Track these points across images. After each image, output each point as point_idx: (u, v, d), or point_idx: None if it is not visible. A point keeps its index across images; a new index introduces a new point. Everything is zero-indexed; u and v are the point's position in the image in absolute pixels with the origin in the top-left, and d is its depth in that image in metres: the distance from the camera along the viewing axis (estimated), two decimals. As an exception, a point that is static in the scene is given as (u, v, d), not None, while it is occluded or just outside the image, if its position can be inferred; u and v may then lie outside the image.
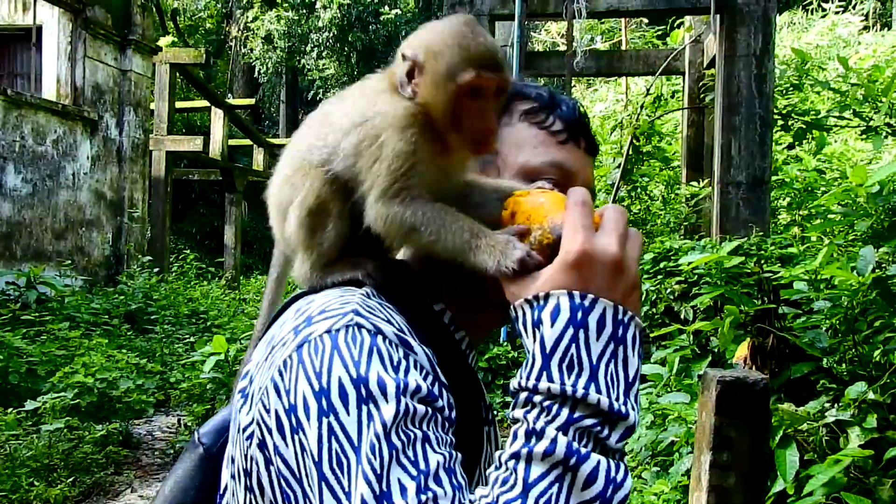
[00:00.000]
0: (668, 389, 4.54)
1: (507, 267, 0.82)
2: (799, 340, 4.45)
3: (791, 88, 9.06)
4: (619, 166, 8.57)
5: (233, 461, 0.87)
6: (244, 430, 0.84)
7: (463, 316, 1.00)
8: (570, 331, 0.75)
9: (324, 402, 0.75)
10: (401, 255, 1.07)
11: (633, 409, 0.76)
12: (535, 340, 0.77)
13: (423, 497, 0.70)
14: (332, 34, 20.23)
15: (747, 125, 7.43)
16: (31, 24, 10.82)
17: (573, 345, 0.75)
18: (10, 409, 4.75)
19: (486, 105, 0.91)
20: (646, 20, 14.70)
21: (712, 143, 8.12)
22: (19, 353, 6.00)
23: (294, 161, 0.98)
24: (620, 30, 13.76)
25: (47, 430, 4.66)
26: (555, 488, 0.70)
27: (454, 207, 0.89)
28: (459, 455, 0.78)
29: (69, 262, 9.59)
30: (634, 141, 8.67)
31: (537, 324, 0.77)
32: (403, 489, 0.70)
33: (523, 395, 0.76)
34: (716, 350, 5.11)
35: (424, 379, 0.79)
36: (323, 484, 0.73)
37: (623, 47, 13.03)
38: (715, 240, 7.09)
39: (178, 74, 13.53)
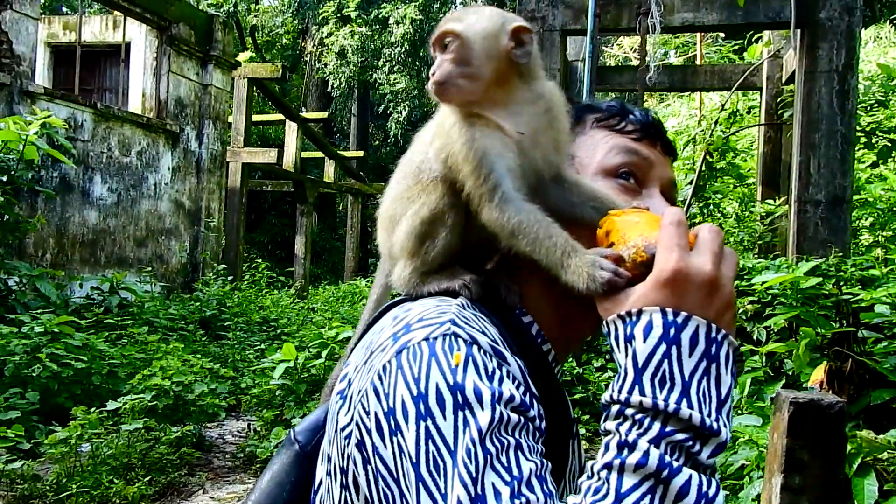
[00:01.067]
0: (739, 412, 4.42)
1: (594, 288, 0.85)
2: (880, 366, 4.29)
3: (876, 105, 8.76)
4: (691, 182, 8.42)
5: (329, 459, 0.91)
6: (343, 429, 0.88)
7: (550, 329, 1.02)
8: (663, 346, 0.77)
9: (422, 407, 0.78)
10: (491, 265, 1.09)
11: (726, 425, 0.77)
12: (627, 355, 0.79)
13: (518, 501, 0.72)
14: (403, 49, 20.56)
15: (828, 142, 7.20)
16: (120, 41, 11.36)
17: (665, 360, 0.77)
18: (92, 409, 4.96)
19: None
20: (722, 34, 14.42)
21: (790, 161, 7.89)
22: (102, 355, 6.27)
23: (405, 178, 1.04)
24: (695, 44, 13.53)
25: (126, 430, 4.85)
26: (647, 500, 0.71)
27: (549, 213, 0.93)
28: (549, 464, 0.80)
29: (149, 268, 9.97)
30: (708, 157, 8.50)
31: (630, 339, 0.79)
32: (498, 493, 0.72)
33: (615, 407, 0.78)
34: (790, 373, 4.96)
35: (517, 389, 0.81)
36: (420, 485, 0.76)
37: (698, 62, 12.82)
38: (791, 259, 6.88)
39: (255, 88, 13.95)
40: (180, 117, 11.16)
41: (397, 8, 20.40)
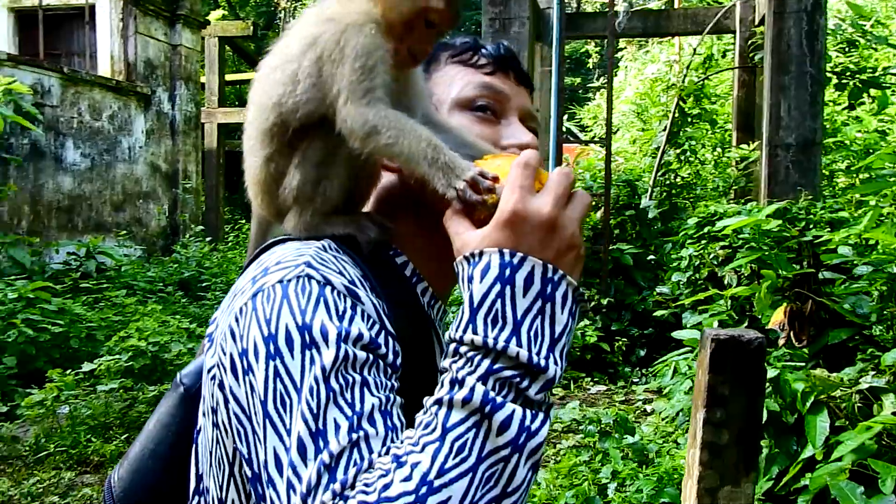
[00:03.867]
0: (702, 354, 4.51)
1: (455, 185, 0.86)
2: (838, 306, 4.37)
3: (848, 46, 8.72)
4: (664, 129, 8.43)
5: (203, 400, 0.94)
6: (209, 371, 0.91)
7: (426, 267, 1.04)
8: (497, 287, 0.79)
9: (271, 347, 0.80)
10: (368, 206, 1.09)
11: (557, 363, 0.79)
12: (466, 295, 0.81)
13: (355, 435, 0.75)
14: None
15: (797, 84, 7.21)
16: (83, 2, 11.12)
17: (499, 300, 0.79)
18: (68, 371, 5.01)
19: (434, 32, 0.97)
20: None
21: (762, 104, 7.90)
22: (80, 319, 6.31)
23: (264, 135, 1.00)
24: (672, -11, 13.38)
25: (103, 391, 4.92)
26: (471, 433, 0.74)
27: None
28: (400, 399, 0.83)
29: (125, 232, 9.94)
30: (681, 103, 8.49)
31: (470, 279, 0.81)
32: (337, 427, 0.75)
33: (452, 346, 0.81)
34: (756, 316, 5.06)
35: (371, 328, 0.84)
36: (267, 421, 0.79)
37: (676, 5, 12.69)
38: (762, 204, 6.94)
39: (226, 47, 13.74)
40: (151, 79, 11.01)
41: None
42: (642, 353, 7.12)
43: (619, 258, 7.54)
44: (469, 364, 0.78)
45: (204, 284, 9.12)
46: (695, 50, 9.00)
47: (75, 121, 9.63)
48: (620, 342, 7.02)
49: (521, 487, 0.76)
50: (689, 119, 8.99)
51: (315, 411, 0.76)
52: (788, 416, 3.69)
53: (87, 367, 5.14)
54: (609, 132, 7.74)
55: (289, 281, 0.84)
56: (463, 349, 0.79)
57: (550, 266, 0.81)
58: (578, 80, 25.33)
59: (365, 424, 0.76)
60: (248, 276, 0.91)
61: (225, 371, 0.86)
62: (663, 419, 5.26)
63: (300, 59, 0.95)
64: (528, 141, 1.05)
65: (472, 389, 0.75)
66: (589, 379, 6.80)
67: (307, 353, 0.79)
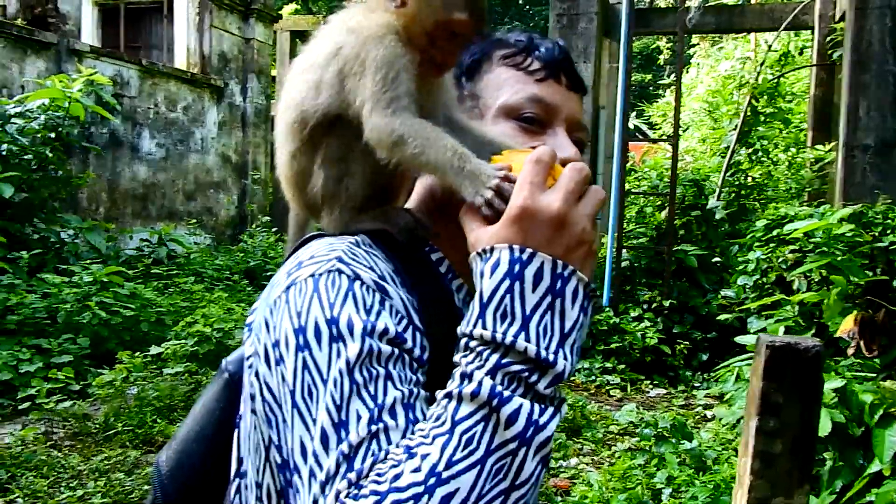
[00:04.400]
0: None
1: (481, 195, 0.87)
2: (914, 315, 4.18)
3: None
4: (735, 128, 8.20)
5: (244, 387, 0.98)
6: (247, 359, 0.94)
7: (461, 264, 1.03)
8: (507, 282, 0.80)
9: (301, 339, 0.83)
10: (410, 202, 1.11)
11: (566, 358, 0.80)
12: (478, 290, 0.82)
13: (374, 427, 0.77)
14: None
15: (878, 83, 6.91)
16: (164, -4, 11.50)
17: (508, 295, 0.80)
18: (137, 354, 5.20)
19: (460, 41, 0.97)
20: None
21: (840, 104, 7.61)
22: (150, 303, 6.54)
23: (291, 131, 1.02)
24: (748, -17, 12.99)
25: (169, 374, 5.08)
26: (479, 426, 0.75)
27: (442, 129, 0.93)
28: (425, 393, 0.84)
29: (195, 221, 10.25)
30: (754, 101, 8.25)
31: (481, 275, 0.82)
32: (359, 418, 0.78)
33: (462, 340, 0.82)
34: (825, 323, 4.88)
35: (398, 323, 0.85)
36: (295, 411, 0.82)
37: (752, 1, 12.31)
38: (837, 207, 6.69)
39: (297, 41, 14.00)
40: (224, 72, 11.30)
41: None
42: (704, 357, 6.96)
43: (683, 259, 7.38)
44: (478, 358, 0.79)
45: (269, 274, 9.33)
46: (770, 46, 8.71)
47: (151, 111, 9.97)
48: (682, 345, 6.88)
49: (530, 481, 0.76)
50: (762, 118, 8.72)
51: (338, 403, 0.79)
52: (855, 428, 3.55)
53: (154, 350, 5.33)
54: (676, 130, 7.57)
55: (320, 275, 0.87)
56: (472, 343, 0.80)
57: (560, 262, 0.81)
58: (649, 76, 24.88)
59: (385, 417, 0.78)
60: (284, 270, 0.93)
61: (259, 360, 0.89)
62: (723, 426, 5.14)
63: (323, 69, 0.98)
64: (570, 155, 1.03)
65: (480, 383, 0.77)
66: (648, 382, 6.69)
67: (334, 346, 0.81)
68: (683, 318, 7.18)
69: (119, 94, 9.19)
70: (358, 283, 0.86)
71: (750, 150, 8.91)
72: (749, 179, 8.91)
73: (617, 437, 5.14)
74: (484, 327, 0.80)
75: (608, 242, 7.58)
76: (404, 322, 0.87)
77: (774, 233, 6.24)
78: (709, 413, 5.72)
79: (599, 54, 8.25)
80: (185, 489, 1.10)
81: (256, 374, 0.90)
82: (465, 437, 0.75)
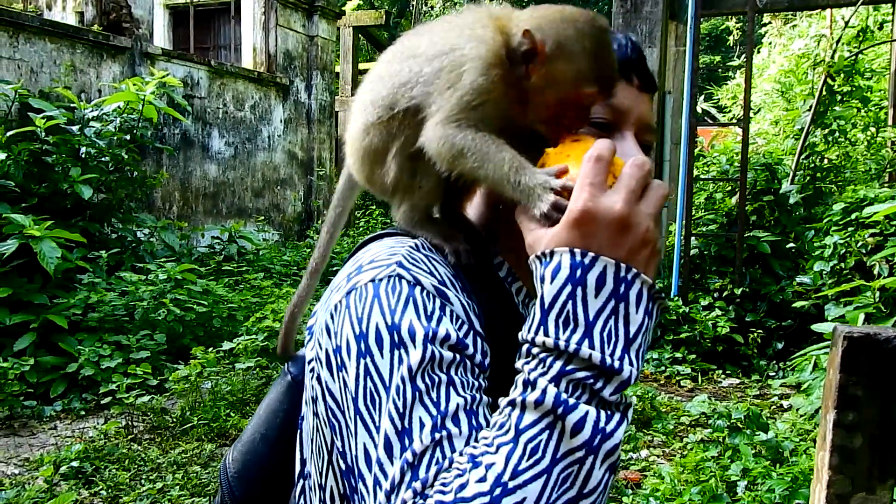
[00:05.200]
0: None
1: (538, 209, 0.85)
2: None
3: None
4: (809, 108, 7.88)
5: (305, 390, 0.99)
6: (309, 363, 0.95)
7: (521, 267, 1.02)
8: (569, 287, 0.78)
9: (362, 345, 0.83)
10: (475, 203, 1.10)
11: (632, 364, 0.78)
12: (539, 295, 0.81)
13: (437, 435, 0.77)
14: (510, -14, 20.07)
15: (965, 57, 6.53)
16: (230, -2, 11.76)
17: (570, 301, 0.78)
18: (209, 349, 5.35)
19: (587, 111, 0.94)
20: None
21: (923, 79, 7.23)
22: (222, 299, 6.71)
23: (384, 101, 0.99)
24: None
25: (241, 368, 5.22)
26: (544, 435, 0.74)
27: (504, 140, 0.91)
28: (487, 398, 0.83)
29: (263, 218, 10.47)
30: (829, 80, 7.91)
31: (542, 279, 0.81)
32: (422, 426, 0.78)
33: (525, 347, 0.81)
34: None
35: (460, 328, 0.85)
36: (358, 417, 0.82)
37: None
38: (920, 188, 6.37)
39: (360, 36, 14.12)
40: (289, 70, 11.49)
41: (502, -57, 19.89)
42: (779, 345, 6.74)
43: (756, 246, 7.15)
44: (541, 365, 0.78)
45: (335, 269, 9.45)
46: (847, 22, 8.33)
47: (220, 111, 10.22)
48: (755, 334, 6.68)
49: (598, 489, 0.75)
50: (839, 97, 8.35)
51: (401, 410, 0.79)
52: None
53: (226, 345, 5.47)
54: (747, 113, 7.33)
55: (380, 280, 0.87)
56: (535, 350, 0.79)
57: (623, 265, 0.79)
58: (718, 58, 24.20)
59: (449, 424, 0.78)
60: (345, 273, 0.94)
61: (321, 366, 0.90)
62: (801, 416, 4.97)
63: (427, 63, 0.96)
64: None
65: (545, 391, 0.75)
66: (720, 372, 6.52)
67: (396, 352, 0.81)
68: (756, 307, 6.97)
69: (189, 95, 9.45)
70: (418, 288, 0.86)
71: (826, 131, 8.55)
72: (825, 161, 8.55)
73: (688, 428, 5.03)
74: (546, 334, 0.78)
75: (676, 230, 7.41)
76: (465, 327, 0.86)
77: (853, 216, 6.00)
78: (785, 403, 5.54)
79: (665, 38, 8.05)
80: (252, 490, 1.12)
81: (318, 379, 0.91)
82: (530, 446, 0.74)
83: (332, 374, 0.87)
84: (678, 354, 6.59)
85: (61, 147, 6.63)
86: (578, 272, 0.78)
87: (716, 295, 7.08)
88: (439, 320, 0.84)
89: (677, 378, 6.32)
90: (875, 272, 5.49)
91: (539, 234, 0.84)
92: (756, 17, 8.27)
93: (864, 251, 5.78)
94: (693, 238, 7.38)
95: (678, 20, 8.61)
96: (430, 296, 0.86)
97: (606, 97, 0.94)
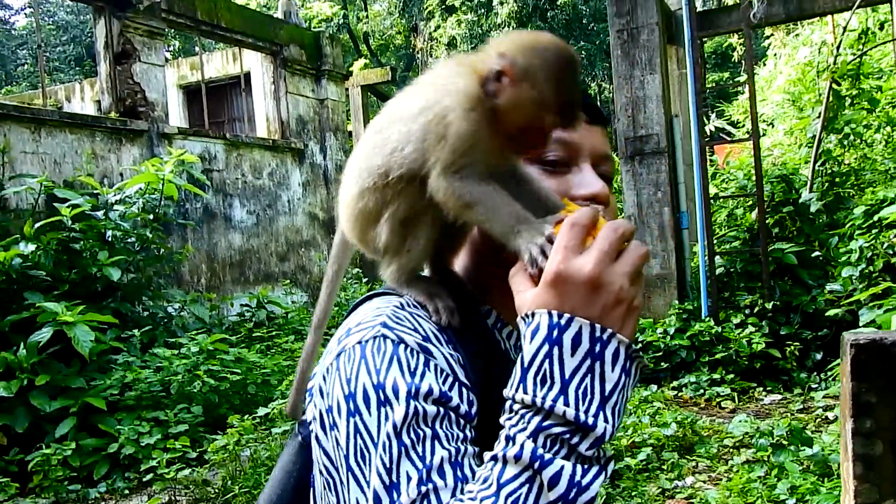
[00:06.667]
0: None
1: (536, 262, 0.88)
2: None
3: None
4: (819, 116, 7.86)
5: (312, 449, 1.03)
6: (309, 424, 1.00)
7: (511, 314, 1.03)
8: (546, 347, 0.82)
9: (351, 405, 0.88)
10: (464, 253, 1.13)
11: (607, 420, 0.81)
12: (521, 354, 0.84)
13: (424, 488, 0.81)
14: (511, 28, 20.43)
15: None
16: (240, 72, 12.11)
17: (547, 360, 0.81)
18: (245, 417, 5.40)
19: (549, 136, 0.99)
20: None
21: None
22: (255, 366, 6.78)
23: (380, 170, 1.02)
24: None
25: (277, 433, 5.24)
26: (524, 489, 0.78)
27: (507, 192, 0.95)
28: (473, 449, 0.87)
29: (289, 281, 10.60)
30: (834, 85, 7.89)
31: (524, 339, 0.84)
32: (409, 480, 0.81)
33: (507, 403, 0.84)
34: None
35: (444, 382, 0.89)
36: (349, 474, 0.87)
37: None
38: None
39: (369, 94, 14.41)
40: (303, 134, 11.75)
41: (499, -12, 20.31)
42: (818, 356, 6.62)
43: (782, 258, 7.08)
44: (521, 421, 0.81)
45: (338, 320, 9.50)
46: (844, 27, 8.33)
47: (239, 181, 10.45)
48: (792, 346, 6.57)
49: None
50: (848, 101, 8.31)
51: (388, 465, 0.83)
52: None
53: (262, 411, 5.51)
54: (755, 128, 7.33)
55: (366, 342, 0.91)
56: (515, 406, 0.83)
57: (598, 326, 0.82)
58: (727, 74, 24.20)
59: (434, 476, 0.82)
60: (336, 337, 0.99)
61: (317, 426, 0.95)
62: (846, 428, 4.86)
63: (412, 122, 1.00)
64: (598, 190, 1.04)
65: (522, 446, 0.79)
66: (760, 389, 6.40)
67: (382, 410, 0.85)
68: (790, 319, 6.87)
69: (208, 169, 9.69)
70: (402, 346, 0.90)
71: (840, 136, 8.50)
72: (842, 166, 8.48)
73: (732, 450, 4.93)
74: (525, 391, 0.82)
75: (699, 251, 7.36)
76: (450, 380, 0.90)
77: (875, 218, 5.93)
78: (830, 415, 5.42)
79: (666, 63, 8.12)
80: None
81: (317, 438, 0.95)
82: (510, 499, 0.77)
83: (325, 434, 0.92)
84: (716, 376, 6.49)
85: (88, 233, 6.82)
86: (555, 332, 0.82)
87: (747, 311, 6.99)
88: (423, 375, 0.87)
89: (717, 400, 6.22)
90: (904, 273, 5.40)
91: (524, 296, 0.88)
92: (757, 30, 8.31)
93: (891, 252, 5.71)
94: (717, 256, 7.33)
95: (678, 43, 8.69)
96: (414, 352, 0.89)
97: (566, 125, 0.97)
